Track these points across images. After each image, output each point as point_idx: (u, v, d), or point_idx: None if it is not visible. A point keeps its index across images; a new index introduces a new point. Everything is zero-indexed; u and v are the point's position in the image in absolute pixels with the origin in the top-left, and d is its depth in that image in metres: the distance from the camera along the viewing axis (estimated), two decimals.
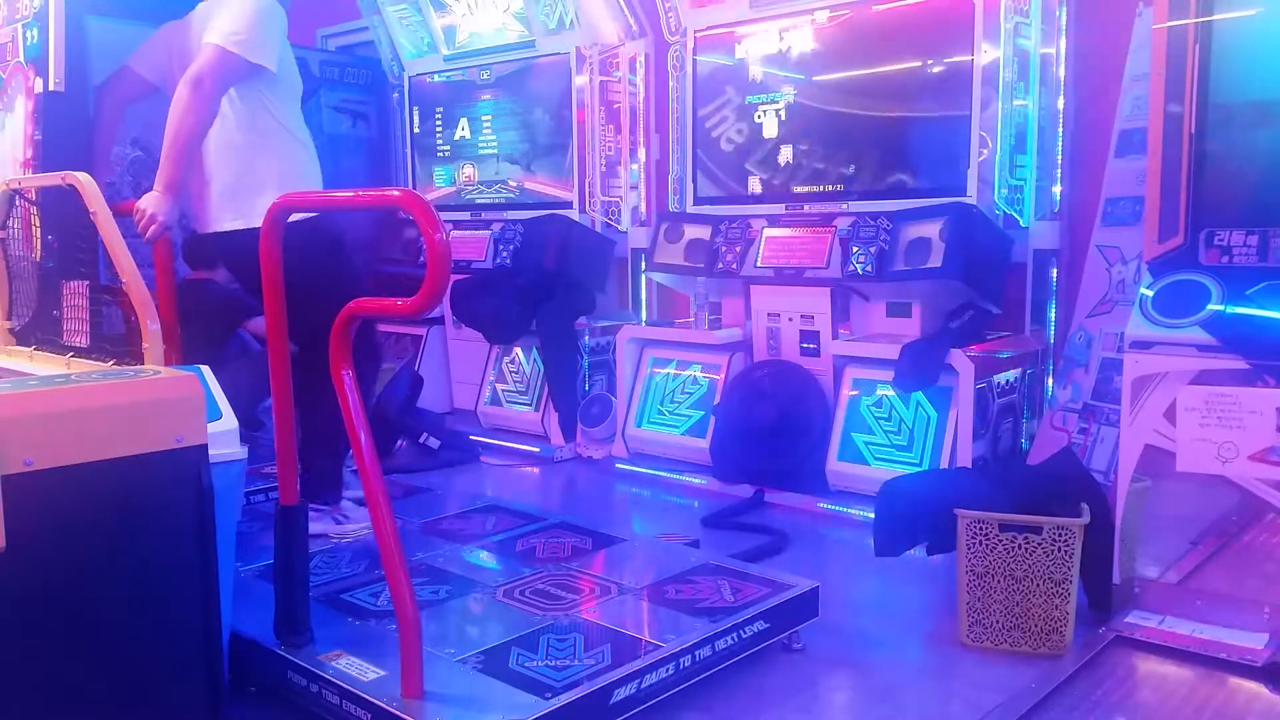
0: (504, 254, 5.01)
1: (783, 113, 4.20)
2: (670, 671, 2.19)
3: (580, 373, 4.68)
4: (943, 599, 2.80)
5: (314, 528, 3.01)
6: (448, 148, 5.53)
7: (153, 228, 2.77)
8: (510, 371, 5.02)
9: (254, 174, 2.89)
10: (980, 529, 2.52)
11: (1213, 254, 2.57)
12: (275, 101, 2.93)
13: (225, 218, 2.94)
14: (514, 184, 5.24)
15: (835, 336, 3.98)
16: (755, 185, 4.31)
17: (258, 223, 2.82)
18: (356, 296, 2.00)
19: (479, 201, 5.39)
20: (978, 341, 3.69)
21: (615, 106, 4.91)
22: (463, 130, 5.43)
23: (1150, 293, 2.63)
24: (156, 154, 2.84)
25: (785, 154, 4.21)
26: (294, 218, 2.75)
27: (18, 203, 2.87)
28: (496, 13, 5.09)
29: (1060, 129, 3.83)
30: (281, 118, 2.95)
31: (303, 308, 2.22)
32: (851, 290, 3.99)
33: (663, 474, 4.24)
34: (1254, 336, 2.45)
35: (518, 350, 4.96)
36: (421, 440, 4.46)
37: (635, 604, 2.54)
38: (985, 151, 3.66)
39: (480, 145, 5.36)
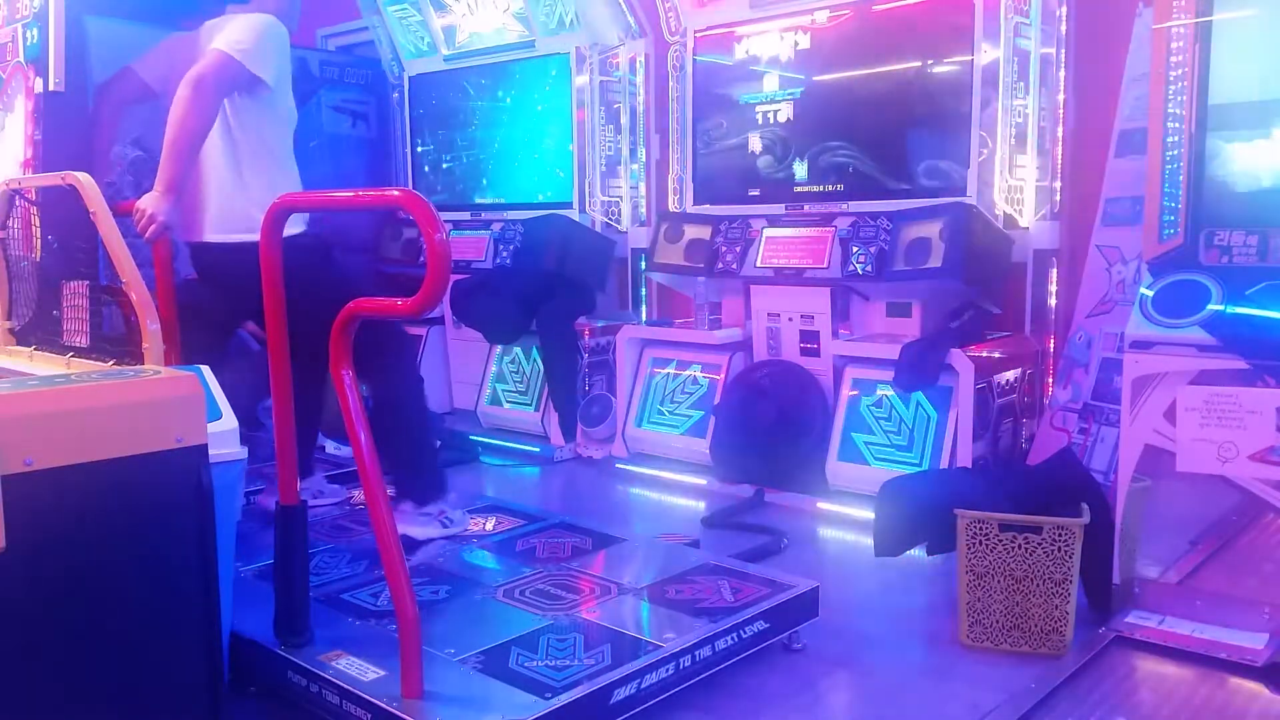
0: (504, 254, 5.01)
1: (783, 113, 4.20)
2: (670, 671, 2.19)
3: (580, 373, 4.67)
4: (943, 599, 2.80)
5: (421, 532, 3.01)
6: None
7: (153, 228, 2.77)
8: (510, 371, 5.02)
9: (239, 191, 2.92)
10: (980, 529, 2.52)
11: (1213, 254, 2.57)
12: (268, 124, 2.95)
13: (209, 230, 2.97)
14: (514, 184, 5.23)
15: (835, 336, 3.98)
16: (755, 185, 4.31)
17: (236, 238, 2.85)
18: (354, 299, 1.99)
19: (479, 201, 5.38)
20: (978, 341, 3.69)
21: (615, 106, 4.91)
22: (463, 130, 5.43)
23: (1150, 293, 2.63)
24: (157, 154, 2.85)
25: (785, 154, 4.21)
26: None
27: (18, 203, 2.86)
28: (496, 13, 5.09)
29: (1060, 129, 3.82)
30: (272, 141, 2.97)
31: (303, 322, 2.22)
32: (851, 290, 3.99)
33: (663, 474, 4.24)
34: (1254, 336, 2.45)
35: (518, 350, 4.96)
36: None
37: (635, 604, 2.54)
38: (985, 151, 3.66)
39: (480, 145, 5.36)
